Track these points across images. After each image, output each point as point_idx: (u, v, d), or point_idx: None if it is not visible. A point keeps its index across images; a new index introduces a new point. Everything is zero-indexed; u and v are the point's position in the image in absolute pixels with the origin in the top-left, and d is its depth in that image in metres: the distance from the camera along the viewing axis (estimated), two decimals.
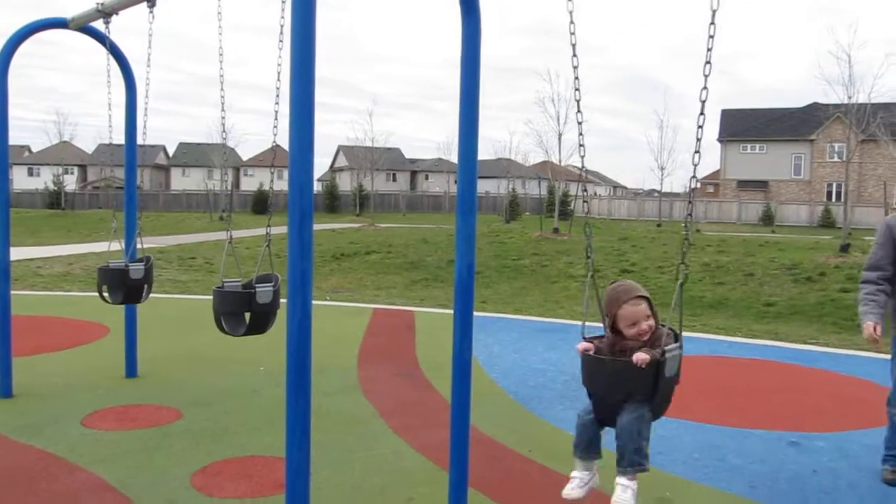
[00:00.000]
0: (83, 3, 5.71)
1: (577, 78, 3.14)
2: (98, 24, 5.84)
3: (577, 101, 3.18)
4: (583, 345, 3.07)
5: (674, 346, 2.97)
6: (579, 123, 3.22)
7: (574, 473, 3.20)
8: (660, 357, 2.87)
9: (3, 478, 4.37)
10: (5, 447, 4.89)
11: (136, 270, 5.78)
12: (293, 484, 3.00)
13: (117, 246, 6.25)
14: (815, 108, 46.69)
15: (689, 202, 3.11)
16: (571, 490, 3.17)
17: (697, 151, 2.95)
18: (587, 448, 3.16)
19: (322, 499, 4.03)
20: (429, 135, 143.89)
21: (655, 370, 2.88)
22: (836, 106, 23.59)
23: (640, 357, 2.83)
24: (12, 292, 6.27)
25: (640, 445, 2.92)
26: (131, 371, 6.74)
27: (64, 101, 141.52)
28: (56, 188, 51.17)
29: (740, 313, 11.91)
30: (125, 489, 4.22)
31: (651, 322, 3.09)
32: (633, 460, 2.91)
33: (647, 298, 3.10)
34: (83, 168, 73.66)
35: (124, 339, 6.75)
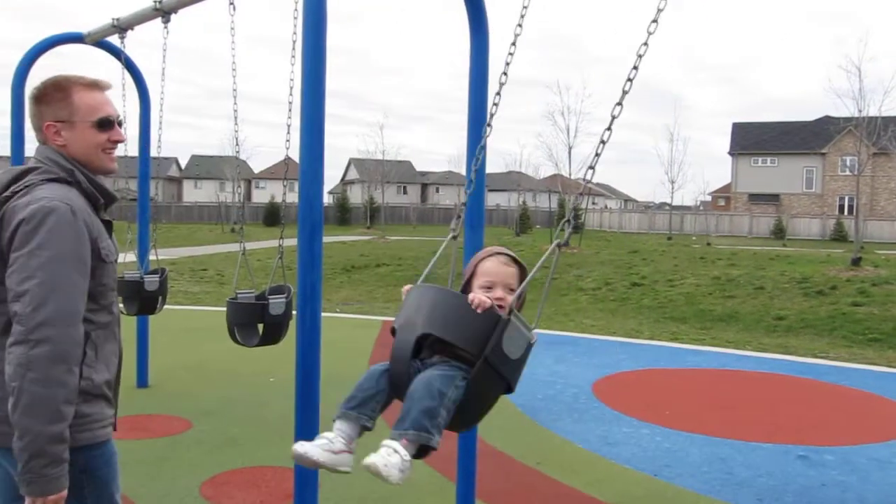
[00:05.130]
0: (98, 16, 5.80)
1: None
2: (113, 39, 5.93)
3: None
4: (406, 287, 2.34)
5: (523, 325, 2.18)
6: None
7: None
8: (507, 315, 2.12)
9: None
10: None
11: (151, 282, 5.84)
12: (301, 494, 3.03)
13: (132, 257, 6.31)
14: (826, 121, 46.57)
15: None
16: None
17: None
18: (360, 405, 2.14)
19: None
20: (439, 147, 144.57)
21: (494, 325, 2.09)
22: (847, 119, 23.53)
23: (479, 299, 2.12)
24: None
25: (434, 408, 1.99)
26: (142, 381, 6.79)
27: None
28: None
29: (750, 327, 11.88)
30: (136, 498, 4.26)
31: (507, 298, 2.29)
32: (418, 422, 1.97)
33: (521, 266, 2.39)
34: None
35: (136, 350, 6.81)
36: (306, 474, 3.02)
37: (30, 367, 1.88)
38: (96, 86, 2.25)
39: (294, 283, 3.37)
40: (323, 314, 3.09)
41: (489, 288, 2.33)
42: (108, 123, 2.22)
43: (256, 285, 5.12)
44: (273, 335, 4.71)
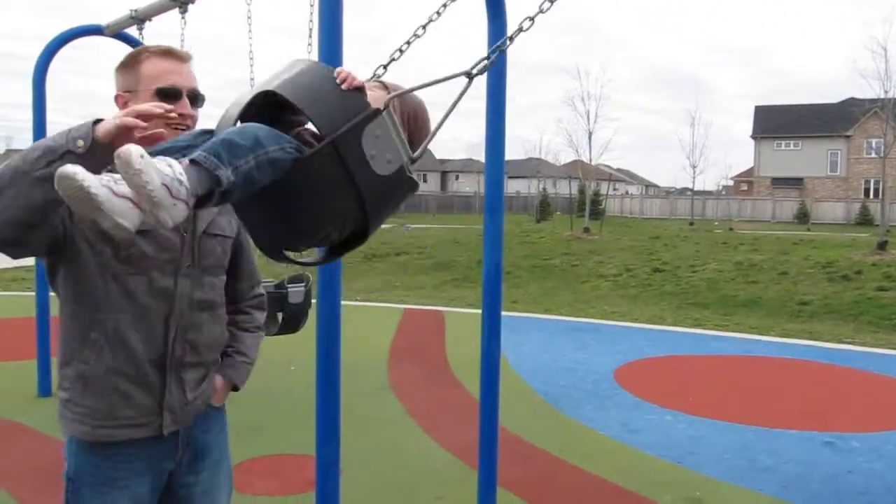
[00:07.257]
0: (116, 9, 5.83)
1: None
2: (132, 31, 5.94)
3: None
4: None
5: None
6: None
7: None
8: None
9: (40, 473, 4.47)
10: (43, 443, 5.00)
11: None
12: (323, 481, 3.04)
13: None
14: (851, 103, 45.80)
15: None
16: None
17: None
18: None
19: (351, 497, 4.06)
20: (459, 134, 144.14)
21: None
22: (873, 101, 23.15)
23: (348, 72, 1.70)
24: (51, 293, 6.40)
25: (240, 145, 1.56)
26: None
27: (100, 105, 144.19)
28: None
29: (774, 312, 11.76)
30: None
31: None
32: (212, 148, 1.52)
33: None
34: None
35: None
36: (327, 461, 3.03)
37: None
38: (168, 54, 1.97)
39: (313, 273, 3.36)
40: (343, 302, 3.08)
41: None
42: (171, 93, 1.91)
43: (276, 275, 5.13)
44: (292, 324, 4.71)
